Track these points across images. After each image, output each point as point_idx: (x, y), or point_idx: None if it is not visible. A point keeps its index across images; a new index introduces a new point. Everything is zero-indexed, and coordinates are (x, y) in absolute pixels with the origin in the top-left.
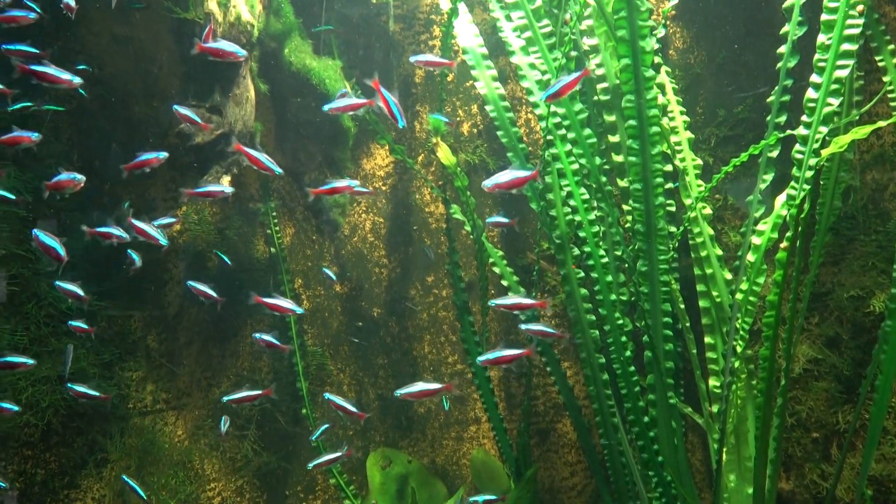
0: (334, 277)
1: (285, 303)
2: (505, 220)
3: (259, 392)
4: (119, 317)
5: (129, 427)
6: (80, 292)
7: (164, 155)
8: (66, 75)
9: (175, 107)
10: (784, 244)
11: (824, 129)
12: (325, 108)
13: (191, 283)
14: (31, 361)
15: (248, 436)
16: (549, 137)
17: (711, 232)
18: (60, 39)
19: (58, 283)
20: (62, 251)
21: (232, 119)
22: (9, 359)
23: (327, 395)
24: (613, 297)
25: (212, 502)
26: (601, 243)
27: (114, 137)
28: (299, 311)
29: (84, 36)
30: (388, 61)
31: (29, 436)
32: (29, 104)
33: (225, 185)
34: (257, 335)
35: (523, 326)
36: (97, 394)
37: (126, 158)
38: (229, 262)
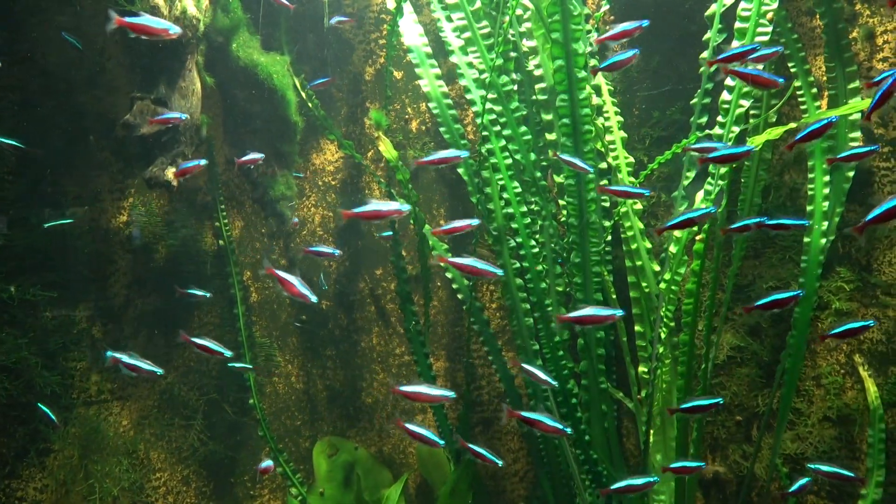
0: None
1: None
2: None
3: None
4: (63, 307)
5: (72, 417)
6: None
7: None
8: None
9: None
10: (700, 236)
11: (737, 129)
12: None
13: None
14: (229, 353)
15: (194, 426)
16: (485, 133)
17: (641, 226)
18: (5, 28)
19: None
20: None
21: (177, 111)
22: (205, 342)
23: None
24: (543, 285)
25: (157, 492)
26: (538, 236)
27: (57, 126)
28: None
29: (30, 24)
30: (339, 58)
31: None
32: None
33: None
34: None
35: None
36: None
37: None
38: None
